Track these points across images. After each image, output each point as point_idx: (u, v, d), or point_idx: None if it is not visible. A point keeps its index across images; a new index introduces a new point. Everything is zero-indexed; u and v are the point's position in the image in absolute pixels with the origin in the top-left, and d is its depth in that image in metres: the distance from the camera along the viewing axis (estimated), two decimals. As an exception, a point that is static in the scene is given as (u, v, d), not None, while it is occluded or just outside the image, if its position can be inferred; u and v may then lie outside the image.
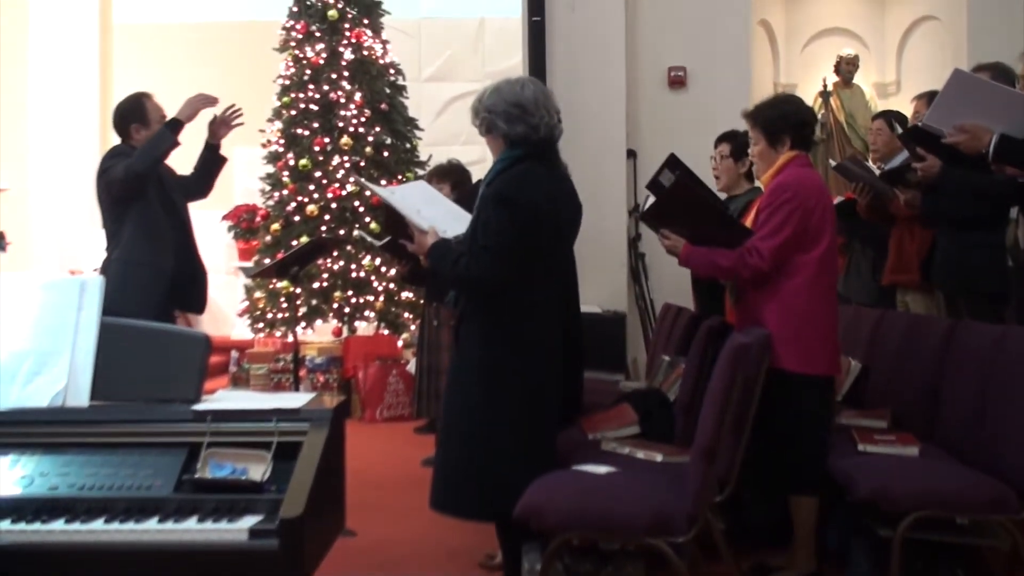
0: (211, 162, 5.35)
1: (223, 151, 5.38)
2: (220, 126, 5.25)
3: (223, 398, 2.87)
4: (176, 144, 5.01)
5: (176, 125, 4.98)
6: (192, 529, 2.35)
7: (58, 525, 2.36)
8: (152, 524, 2.36)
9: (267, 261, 8.51)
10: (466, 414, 3.61)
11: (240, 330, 9.91)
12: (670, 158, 4.49)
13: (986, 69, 4.93)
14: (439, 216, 3.78)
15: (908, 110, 6.02)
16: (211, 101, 5.11)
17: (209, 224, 9.80)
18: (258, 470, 2.51)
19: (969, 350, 4.00)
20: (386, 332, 9.17)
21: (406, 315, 9.25)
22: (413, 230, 3.71)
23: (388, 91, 9.51)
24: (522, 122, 3.56)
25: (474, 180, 6.41)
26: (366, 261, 9.00)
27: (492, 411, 3.54)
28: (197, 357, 2.77)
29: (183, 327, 3.00)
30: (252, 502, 2.43)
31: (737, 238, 3.84)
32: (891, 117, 6.01)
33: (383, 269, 9.01)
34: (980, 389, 3.79)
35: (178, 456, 2.56)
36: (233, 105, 5.25)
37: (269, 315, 9.20)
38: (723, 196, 5.11)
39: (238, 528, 2.33)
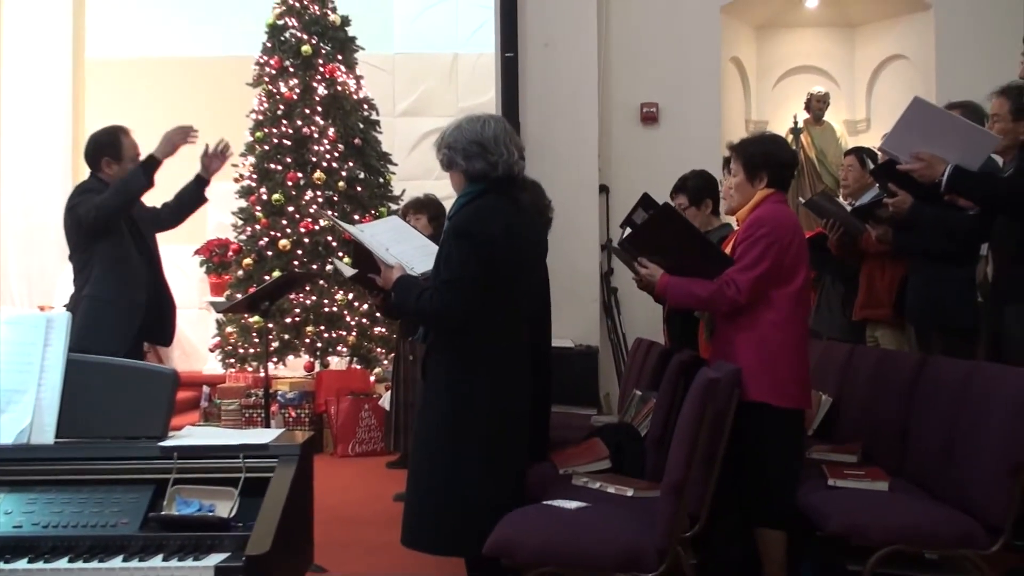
0: (193, 198, 5.28)
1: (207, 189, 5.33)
2: (213, 159, 5.17)
3: (190, 434, 2.85)
4: (150, 186, 4.94)
5: (152, 163, 4.91)
6: (158, 567, 2.33)
7: (22, 564, 2.34)
8: (117, 563, 2.34)
9: (239, 296, 8.48)
10: (432, 448, 3.60)
11: (212, 365, 9.86)
12: (644, 197, 4.52)
13: (958, 107, 4.99)
14: (409, 252, 3.80)
15: (878, 147, 6.08)
16: (188, 133, 5.02)
17: (181, 258, 9.81)
18: (225, 506, 2.49)
19: (939, 385, 4.02)
20: (358, 367, 9.13)
21: (378, 350, 9.23)
22: (380, 265, 3.73)
23: (362, 126, 9.52)
24: (481, 159, 3.59)
25: (449, 214, 6.43)
26: (339, 296, 8.99)
27: (458, 445, 3.53)
28: (164, 393, 2.75)
29: (151, 363, 2.97)
30: (219, 539, 2.42)
31: (717, 268, 3.86)
32: (862, 153, 6.07)
33: (356, 304, 9.00)
34: (949, 424, 3.81)
35: (144, 493, 2.54)
36: (222, 139, 5.20)
37: (241, 350, 9.15)
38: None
39: (204, 566, 2.31)
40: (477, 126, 3.63)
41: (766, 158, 3.99)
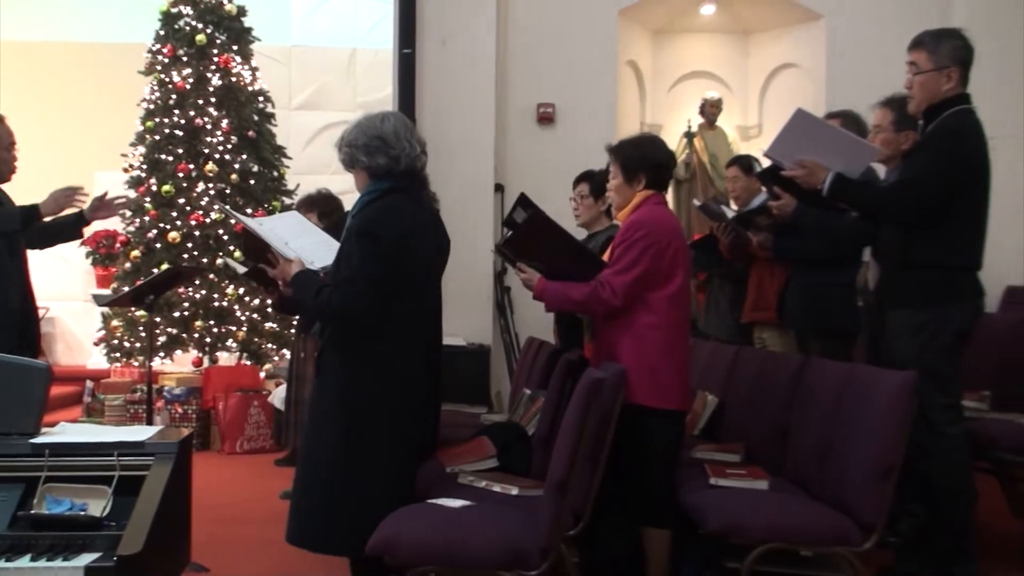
0: (70, 233, 5.19)
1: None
2: (102, 208, 5.07)
3: (64, 431, 2.79)
4: (22, 232, 4.87)
5: (33, 215, 4.82)
6: (25, 568, 2.28)
7: None
8: (-18, 563, 2.28)
9: (125, 288, 8.29)
10: (324, 445, 3.59)
11: (96, 359, 9.63)
12: (521, 197, 4.54)
13: (836, 116, 5.12)
14: (309, 247, 3.77)
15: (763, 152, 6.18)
16: (76, 193, 4.93)
17: (67, 249, 9.54)
18: (98, 505, 2.45)
19: (817, 387, 4.12)
20: (248, 363, 9.00)
21: (269, 346, 9.11)
22: (278, 258, 3.69)
23: (256, 118, 9.39)
24: (383, 154, 3.60)
25: (346, 210, 6.37)
26: (229, 290, 8.85)
27: (349, 443, 3.53)
28: (37, 388, 2.68)
29: (22, 358, 2.88)
30: (90, 539, 2.37)
31: (592, 271, 3.89)
32: (746, 160, 6.17)
33: (246, 299, 8.87)
34: (826, 424, 3.91)
35: (14, 491, 2.48)
36: (121, 196, 5.13)
37: (127, 344, 8.95)
38: (584, 233, 5.18)
39: (74, 567, 2.27)
40: (376, 121, 3.66)
41: (642, 160, 4.02)
